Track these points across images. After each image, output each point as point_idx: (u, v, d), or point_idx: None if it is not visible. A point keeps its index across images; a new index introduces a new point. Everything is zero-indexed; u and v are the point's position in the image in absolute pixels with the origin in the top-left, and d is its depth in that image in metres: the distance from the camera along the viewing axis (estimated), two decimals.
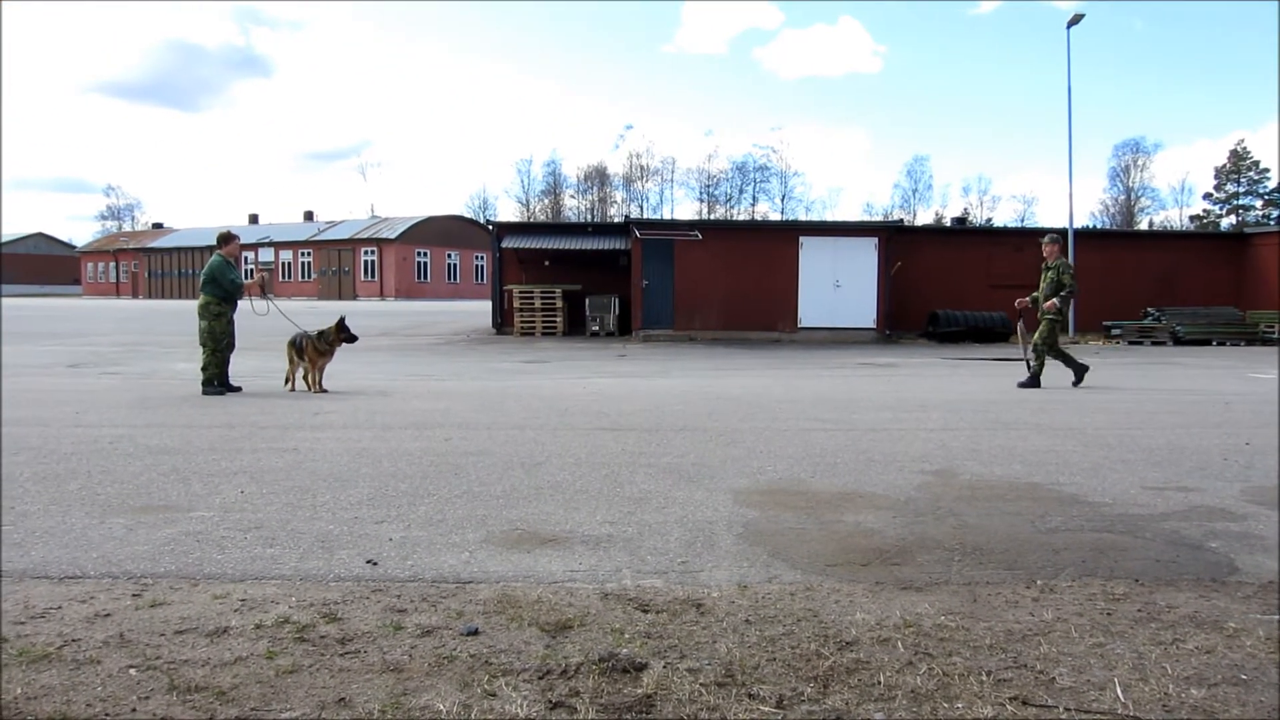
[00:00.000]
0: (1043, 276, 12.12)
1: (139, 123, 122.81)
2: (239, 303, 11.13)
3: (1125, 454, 6.89)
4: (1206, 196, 78.85)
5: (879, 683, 2.83)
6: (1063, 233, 16.60)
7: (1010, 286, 25.78)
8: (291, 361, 11.06)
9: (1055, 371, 12.29)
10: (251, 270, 60.05)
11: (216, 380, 10.73)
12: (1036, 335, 11.96)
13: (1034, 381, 11.86)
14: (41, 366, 15.38)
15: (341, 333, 11.13)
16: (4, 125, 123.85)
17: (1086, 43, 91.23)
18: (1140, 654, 3.08)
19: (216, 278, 10.85)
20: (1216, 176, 78.46)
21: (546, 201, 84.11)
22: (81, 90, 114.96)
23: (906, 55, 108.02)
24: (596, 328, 25.14)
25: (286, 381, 11.12)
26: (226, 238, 11.37)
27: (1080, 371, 12.04)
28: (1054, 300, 11.82)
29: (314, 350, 10.88)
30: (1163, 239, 34.56)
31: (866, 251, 24.18)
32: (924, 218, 78.74)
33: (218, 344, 10.77)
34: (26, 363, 16.08)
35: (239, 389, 10.87)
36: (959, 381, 13.53)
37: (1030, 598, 3.67)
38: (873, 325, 23.99)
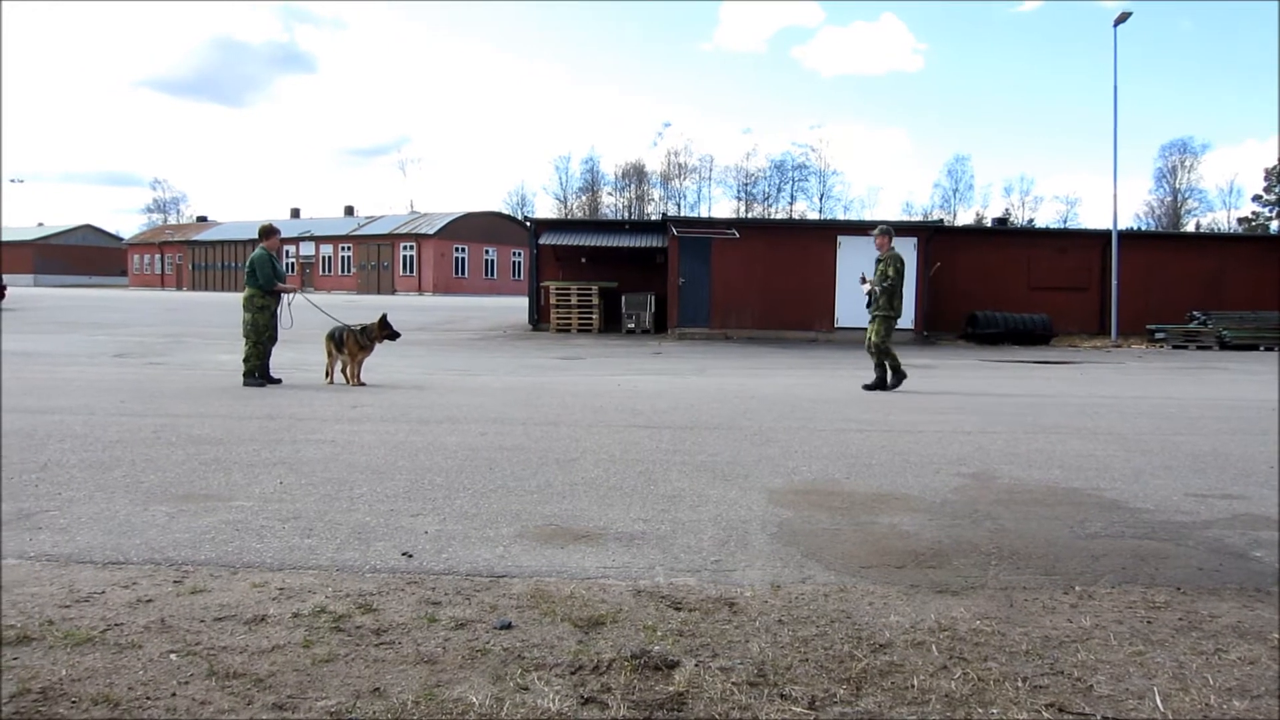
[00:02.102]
0: (876, 270, 11.63)
1: (185, 118, 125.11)
2: (282, 296, 11.29)
3: (1168, 460, 6.77)
4: (1256, 198, 77.10)
5: (913, 686, 2.81)
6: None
7: (1052, 288, 25.59)
8: (330, 355, 11.19)
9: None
10: (293, 264, 60.84)
11: (257, 372, 10.89)
12: (871, 334, 11.48)
13: (882, 384, 11.42)
14: (88, 356, 15.70)
15: (384, 329, 11.26)
16: (53, 120, 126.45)
17: (1133, 41, 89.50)
18: (1181, 663, 3.02)
19: (257, 270, 11.02)
20: (1266, 178, 76.63)
21: (584, 198, 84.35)
22: (131, 86, 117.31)
23: (948, 54, 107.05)
24: (632, 325, 25.16)
25: (326, 375, 11.25)
26: (268, 231, 11.54)
27: (898, 379, 11.44)
28: (873, 286, 11.41)
29: (355, 344, 11.02)
30: (1209, 241, 33.93)
31: (905, 251, 23.80)
32: (964, 218, 77.97)
33: (259, 336, 10.93)
34: (73, 351, 16.42)
35: (279, 381, 11.03)
36: (998, 383, 13.37)
37: (1068, 604, 3.62)
38: (910, 326, 23.76)
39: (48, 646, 3.01)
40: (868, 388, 11.51)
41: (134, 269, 76.36)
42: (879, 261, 11.59)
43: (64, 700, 2.62)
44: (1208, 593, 3.80)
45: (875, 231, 11.83)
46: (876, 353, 11.46)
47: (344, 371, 11.11)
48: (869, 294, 11.58)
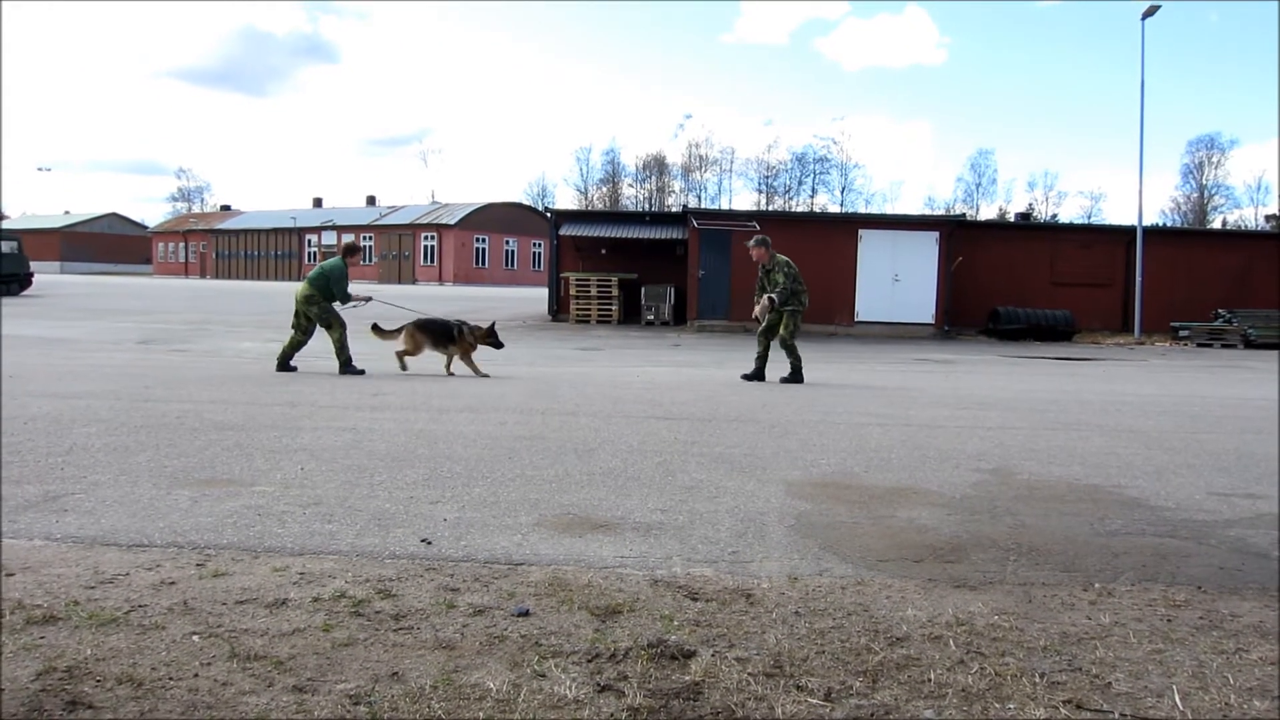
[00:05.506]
0: (765, 280, 11.50)
1: (209, 107, 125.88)
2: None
3: (1190, 458, 6.71)
4: None
5: (929, 680, 2.80)
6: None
7: (1075, 284, 25.38)
8: (418, 346, 11.26)
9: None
10: (315, 254, 61.19)
11: (351, 360, 11.03)
12: (782, 330, 11.35)
13: (795, 377, 11.26)
14: (114, 342, 15.86)
15: (490, 337, 11.51)
16: (80, 109, 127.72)
17: (1160, 35, 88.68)
18: (1201, 662, 3.00)
19: (334, 283, 11.21)
20: None
21: (605, 190, 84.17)
22: (155, 75, 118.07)
23: (972, 48, 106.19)
24: (651, 316, 25.16)
25: (401, 365, 11.30)
26: (354, 249, 11.92)
27: (797, 377, 11.25)
28: (765, 301, 11.33)
29: (465, 344, 11.21)
30: (1235, 238, 33.48)
31: (927, 245, 23.83)
32: (987, 213, 77.21)
33: (340, 319, 11.17)
34: (99, 338, 16.60)
35: (295, 369, 11.12)
36: (1019, 379, 13.29)
37: (1087, 601, 3.60)
38: (931, 321, 23.64)
39: (73, 626, 3.05)
40: (746, 377, 11.48)
41: (158, 257, 76.91)
42: (768, 271, 11.51)
43: (89, 679, 2.65)
44: (1229, 592, 3.77)
45: (751, 244, 11.72)
46: (784, 347, 11.38)
47: (474, 366, 11.19)
48: (770, 302, 11.38)
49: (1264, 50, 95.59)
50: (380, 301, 12.38)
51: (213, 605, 3.29)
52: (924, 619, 3.33)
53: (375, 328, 11.78)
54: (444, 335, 11.23)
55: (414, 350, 11.29)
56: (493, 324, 11.70)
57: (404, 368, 11.27)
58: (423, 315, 11.67)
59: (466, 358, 11.19)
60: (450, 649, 2.96)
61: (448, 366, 11.29)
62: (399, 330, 11.47)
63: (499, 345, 11.72)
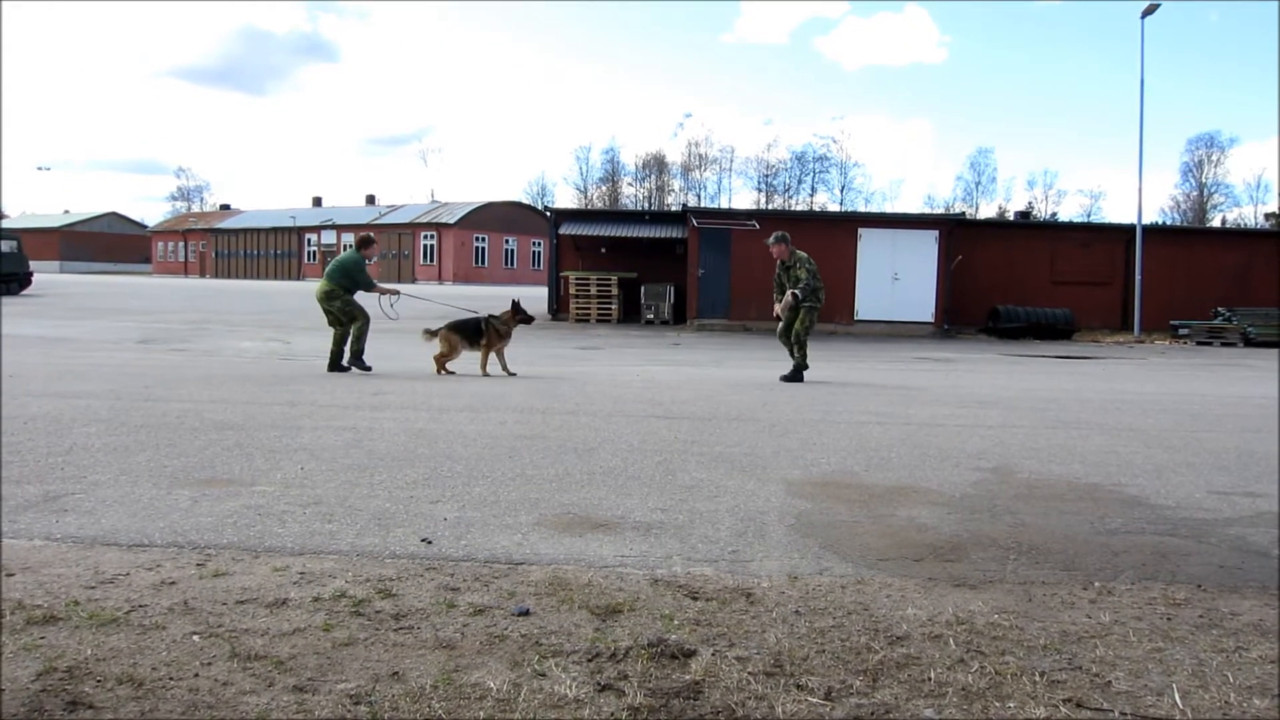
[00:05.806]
0: (785, 276, 11.46)
1: (209, 106, 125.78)
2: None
3: (1190, 456, 6.71)
4: None
5: (929, 679, 2.80)
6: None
7: (1075, 283, 25.38)
8: (453, 347, 11.06)
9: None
10: (315, 254, 61.18)
11: (344, 357, 11.01)
12: (798, 325, 11.32)
13: (796, 375, 11.25)
14: (113, 342, 15.86)
15: (518, 314, 11.34)
16: (80, 109, 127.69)
17: (1160, 34, 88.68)
18: (1201, 661, 3.00)
19: (354, 274, 11.23)
20: None
21: (604, 189, 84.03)
22: (156, 75, 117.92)
23: (972, 46, 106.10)
24: (651, 315, 25.17)
25: (440, 368, 11.14)
26: (368, 240, 11.93)
27: (798, 375, 11.29)
28: (788, 297, 11.26)
29: (495, 334, 11.09)
30: (1235, 237, 33.47)
31: (926, 244, 23.82)
32: (987, 211, 77.12)
33: (364, 313, 11.11)
34: (99, 337, 16.59)
35: (347, 369, 11.07)
36: (1019, 378, 13.29)
37: (1087, 599, 3.60)
38: (931, 319, 23.64)
39: (73, 626, 3.05)
40: (786, 379, 11.37)
41: (158, 256, 76.86)
42: (788, 268, 11.45)
43: (89, 679, 2.66)
44: (1229, 590, 3.77)
45: (770, 241, 11.61)
46: (796, 342, 11.35)
47: (485, 364, 11.08)
48: (794, 297, 11.30)
49: (1264, 49, 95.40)
50: (409, 296, 12.34)
51: (213, 605, 3.29)
52: (924, 618, 3.33)
53: (426, 331, 11.45)
54: (474, 333, 11.10)
55: (450, 353, 11.10)
56: (515, 301, 11.52)
57: (439, 372, 11.05)
58: (456, 314, 11.50)
59: (486, 353, 11.08)
60: (450, 648, 2.96)
61: (483, 366, 11.12)
62: (435, 332, 11.26)
63: (529, 320, 11.62)
